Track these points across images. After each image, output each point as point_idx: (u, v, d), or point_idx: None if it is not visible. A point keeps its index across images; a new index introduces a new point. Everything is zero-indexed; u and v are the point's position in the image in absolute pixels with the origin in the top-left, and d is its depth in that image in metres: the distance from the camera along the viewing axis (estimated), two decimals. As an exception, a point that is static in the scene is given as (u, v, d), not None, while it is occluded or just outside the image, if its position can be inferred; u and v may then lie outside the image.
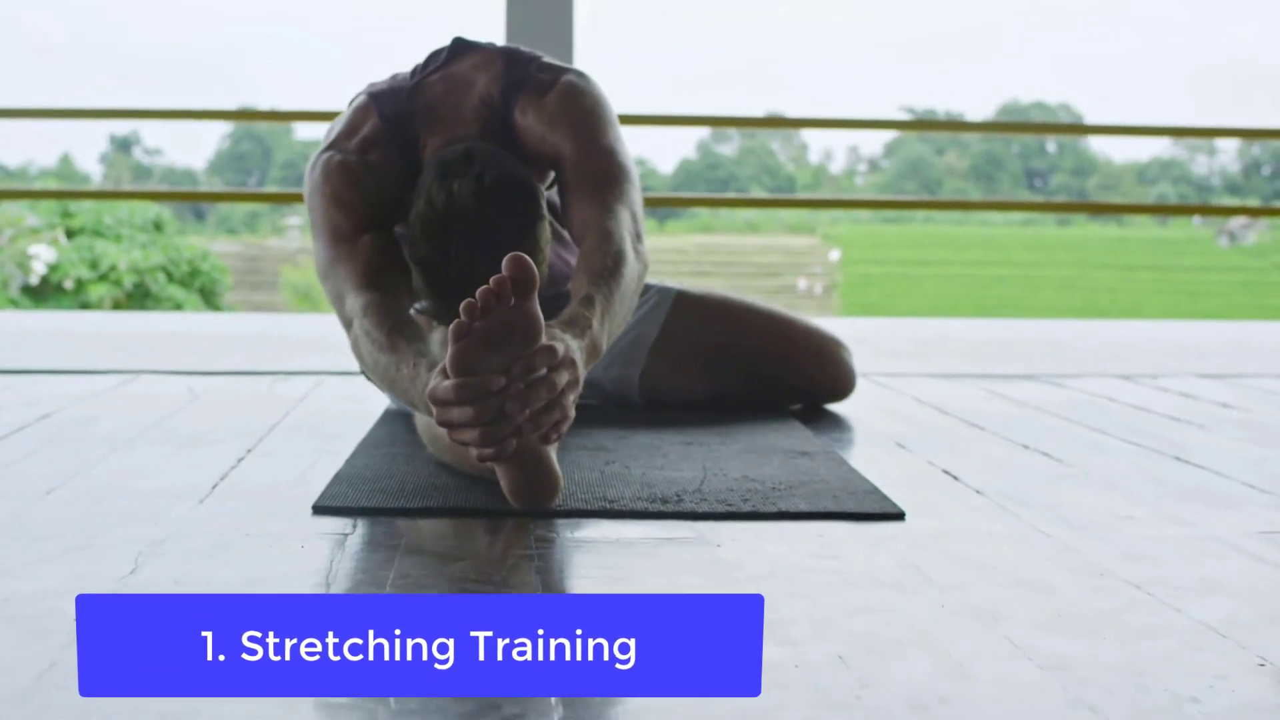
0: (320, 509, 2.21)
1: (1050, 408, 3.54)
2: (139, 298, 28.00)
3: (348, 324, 2.58)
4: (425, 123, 2.81)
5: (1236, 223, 54.80)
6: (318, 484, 2.42)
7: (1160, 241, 57.45)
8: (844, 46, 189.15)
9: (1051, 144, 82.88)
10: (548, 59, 2.88)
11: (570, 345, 2.19)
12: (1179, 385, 4.09)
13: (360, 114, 2.85)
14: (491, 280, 2.07)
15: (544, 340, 2.12)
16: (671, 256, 52.85)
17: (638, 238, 2.66)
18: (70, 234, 28.52)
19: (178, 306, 28.08)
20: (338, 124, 2.86)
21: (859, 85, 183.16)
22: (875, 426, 3.21)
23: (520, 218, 2.55)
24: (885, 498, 2.32)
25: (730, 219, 62.34)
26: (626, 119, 6.90)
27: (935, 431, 3.13)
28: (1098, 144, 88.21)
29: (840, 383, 3.46)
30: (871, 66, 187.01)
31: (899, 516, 2.22)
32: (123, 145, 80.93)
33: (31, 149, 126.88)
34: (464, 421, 2.10)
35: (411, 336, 2.43)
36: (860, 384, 3.86)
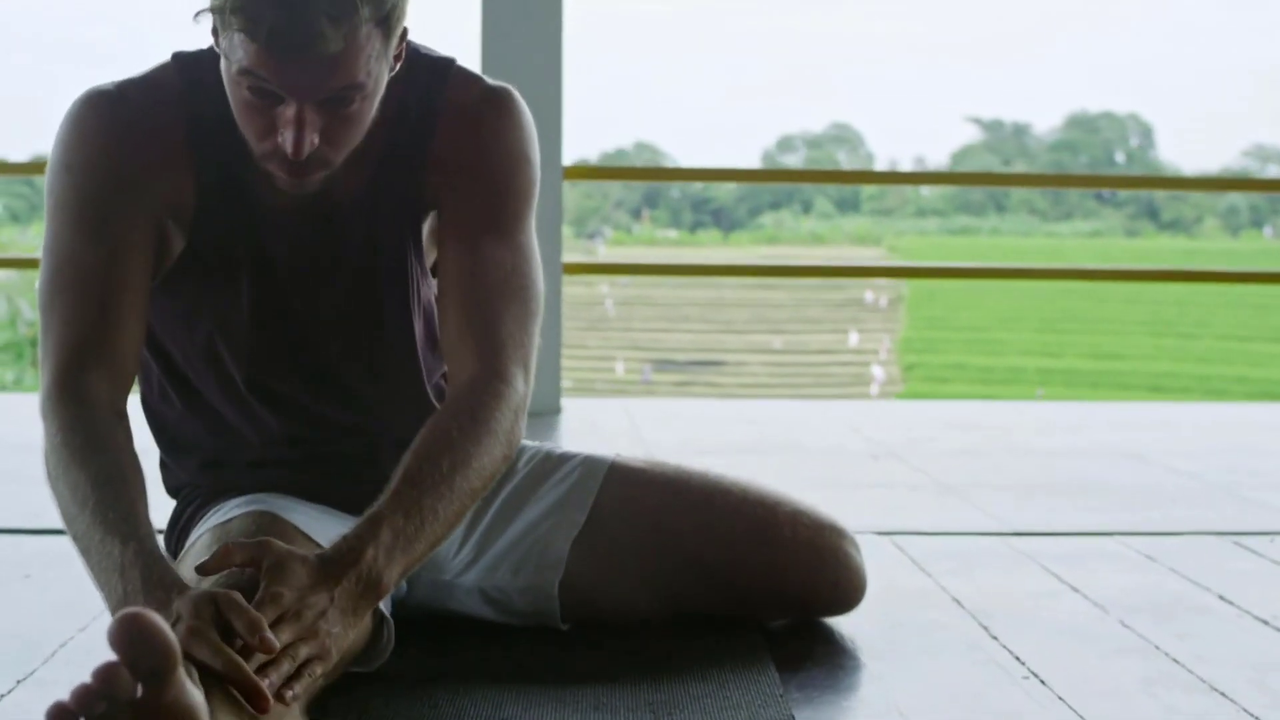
0: None
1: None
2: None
3: (43, 414, 2.01)
4: None
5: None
6: None
7: (1231, 254, 56.45)
8: (897, 53, 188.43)
9: (1120, 155, 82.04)
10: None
11: (306, 610, 1.78)
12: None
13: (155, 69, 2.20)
14: (93, 673, 1.17)
15: None
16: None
17: (518, 415, 2.11)
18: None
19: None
20: None
21: (917, 90, 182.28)
22: (902, 696, 2.22)
23: None
24: None
25: (795, 230, 61.79)
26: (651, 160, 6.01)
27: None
28: (1167, 154, 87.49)
29: (843, 589, 2.48)
30: (927, 73, 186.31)
31: None
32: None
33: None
34: None
35: (138, 487, 1.93)
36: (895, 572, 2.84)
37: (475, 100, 2.23)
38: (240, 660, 1.69)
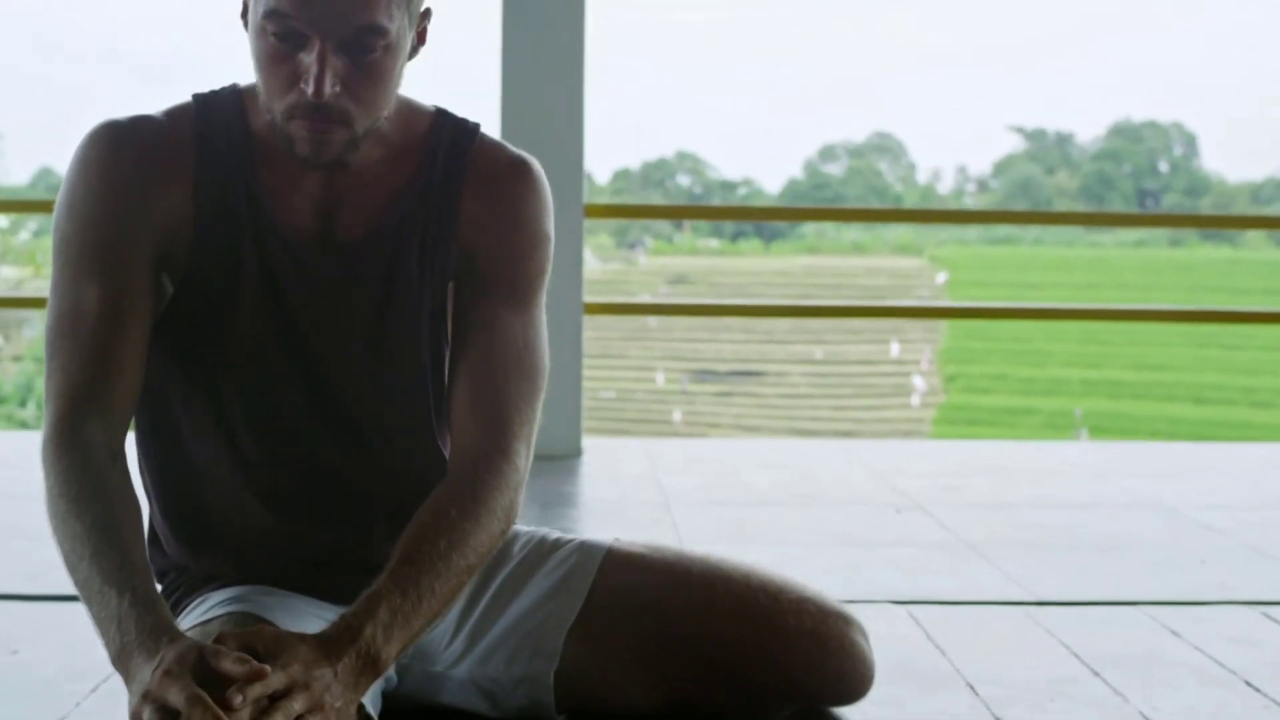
0: None
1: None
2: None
3: (43, 462, 2.02)
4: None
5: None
6: None
7: (1275, 265, 56.01)
8: (940, 60, 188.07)
9: (1164, 163, 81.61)
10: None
11: (314, 681, 1.81)
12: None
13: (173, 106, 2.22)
14: None
15: None
16: (776, 279, 52.06)
17: (517, 491, 2.11)
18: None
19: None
20: None
21: (960, 98, 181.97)
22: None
23: None
24: None
25: (837, 240, 61.51)
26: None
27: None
28: (1210, 163, 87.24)
29: (849, 680, 2.37)
30: (970, 80, 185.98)
31: None
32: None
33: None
34: None
35: (133, 531, 1.96)
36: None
37: (501, 169, 2.23)
38: (206, 696, 1.71)
